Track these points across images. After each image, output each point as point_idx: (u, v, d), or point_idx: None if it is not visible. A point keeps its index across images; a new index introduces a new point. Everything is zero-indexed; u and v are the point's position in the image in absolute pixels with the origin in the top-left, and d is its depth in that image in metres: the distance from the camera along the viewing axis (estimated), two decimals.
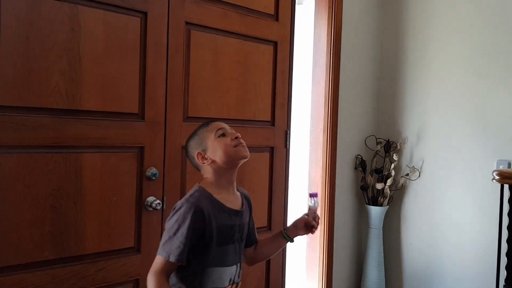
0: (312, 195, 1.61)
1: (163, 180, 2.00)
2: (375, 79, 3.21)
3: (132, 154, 1.91)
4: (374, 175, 3.11)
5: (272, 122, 2.46)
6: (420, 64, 3.04)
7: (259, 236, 1.69)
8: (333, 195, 2.91)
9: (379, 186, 3.04)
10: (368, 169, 3.12)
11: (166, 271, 1.38)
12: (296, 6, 2.55)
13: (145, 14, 1.91)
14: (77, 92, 1.73)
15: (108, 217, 1.83)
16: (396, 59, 3.15)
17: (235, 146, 1.49)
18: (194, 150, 1.51)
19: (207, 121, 1.56)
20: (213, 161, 1.49)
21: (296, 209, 2.95)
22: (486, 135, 2.73)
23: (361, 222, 3.19)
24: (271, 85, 2.44)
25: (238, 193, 1.57)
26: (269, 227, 2.46)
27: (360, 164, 3.08)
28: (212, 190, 1.48)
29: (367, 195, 3.11)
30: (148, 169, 1.94)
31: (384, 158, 3.12)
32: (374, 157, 3.12)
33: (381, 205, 3.08)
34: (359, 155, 3.10)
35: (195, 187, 1.48)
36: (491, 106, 2.72)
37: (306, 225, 1.61)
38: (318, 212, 1.66)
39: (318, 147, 2.91)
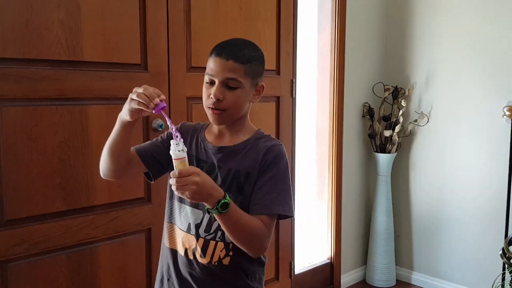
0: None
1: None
2: (382, 24, 3.13)
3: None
4: (382, 123, 3.08)
5: (278, 71, 2.43)
6: (429, 7, 2.94)
7: None
8: (340, 144, 2.90)
9: (387, 133, 3.01)
10: (376, 116, 3.09)
11: None
12: None
13: None
14: (77, 43, 1.70)
15: None
16: (404, 3, 3.05)
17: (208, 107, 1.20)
18: None
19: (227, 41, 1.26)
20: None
21: (303, 159, 2.95)
22: (495, 77, 2.68)
23: (369, 169, 3.19)
24: (276, 32, 2.38)
25: (248, 135, 1.26)
26: None
27: (368, 112, 3.05)
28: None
29: (375, 143, 3.10)
30: (153, 121, 1.93)
31: (392, 105, 3.08)
32: (382, 104, 3.09)
33: (389, 152, 3.07)
34: (366, 102, 3.06)
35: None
36: (501, 49, 2.65)
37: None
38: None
39: (325, 96, 2.87)
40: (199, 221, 1.22)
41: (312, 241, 3.04)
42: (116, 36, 1.81)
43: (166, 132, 1.33)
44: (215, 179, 1.17)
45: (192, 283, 1.23)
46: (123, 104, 1.17)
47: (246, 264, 1.24)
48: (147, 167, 1.29)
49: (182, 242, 1.25)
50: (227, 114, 1.19)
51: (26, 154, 1.61)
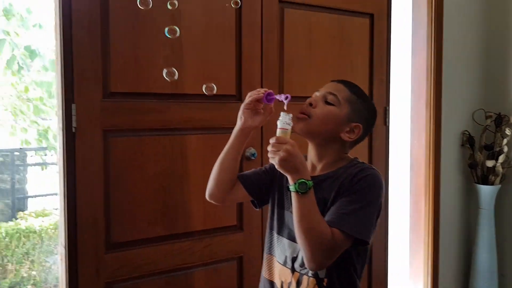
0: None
1: (261, 160, 2.02)
2: (482, 47, 2.95)
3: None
4: (483, 152, 2.88)
5: (370, 98, 2.37)
6: None
7: None
8: (438, 174, 2.75)
9: (489, 163, 2.81)
10: (476, 145, 2.90)
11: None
12: None
13: None
14: (179, 77, 1.79)
15: None
16: (506, 24, 2.86)
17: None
18: None
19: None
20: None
21: (397, 189, 2.84)
22: None
23: (470, 202, 2.98)
24: (368, 59, 2.35)
25: (340, 164, 1.22)
26: None
27: (468, 141, 2.87)
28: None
29: (476, 174, 2.90)
30: (247, 150, 1.97)
31: (495, 133, 2.87)
32: (483, 132, 2.89)
33: (492, 184, 2.85)
34: (466, 130, 2.89)
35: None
36: None
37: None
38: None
39: (420, 124, 2.75)
40: (295, 255, 1.21)
41: (406, 277, 2.89)
42: (214, 69, 1.89)
43: (269, 164, 1.33)
44: None
45: None
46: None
47: None
48: (250, 194, 1.31)
49: (279, 275, 1.25)
50: (310, 122, 1.18)
51: (131, 181, 1.72)
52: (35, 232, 4.50)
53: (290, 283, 1.21)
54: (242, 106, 1.20)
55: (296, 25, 2.08)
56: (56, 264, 4.48)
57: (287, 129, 1.10)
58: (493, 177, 2.85)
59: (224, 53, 1.91)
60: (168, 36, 1.32)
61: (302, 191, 1.06)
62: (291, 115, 1.11)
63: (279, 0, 2.02)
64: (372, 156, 2.38)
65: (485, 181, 2.86)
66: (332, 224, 1.09)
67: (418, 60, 2.74)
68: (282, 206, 1.26)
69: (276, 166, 1.08)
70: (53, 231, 4.59)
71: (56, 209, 6.52)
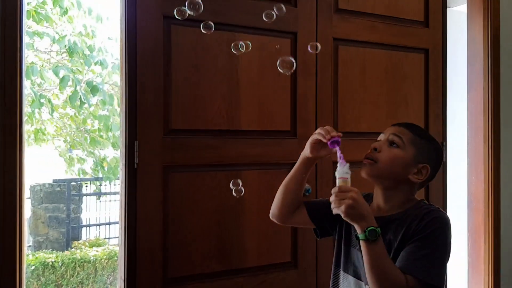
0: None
1: (316, 196, 2.01)
2: None
3: (286, 170, 1.93)
4: None
5: (433, 138, 2.33)
6: None
7: None
8: (498, 212, 2.62)
9: None
10: None
11: None
12: (447, 10, 2.40)
13: (295, 34, 1.97)
14: (236, 114, 1.84)
15: (266, 232, 1.90)
16: None
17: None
18: None
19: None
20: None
21: (455, 227, 2.73)
22: None
23: None
24: (423, 95, 2.31)
25: (407, 205, 1.21)
26: None
27: None
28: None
29: None
30: None
31: None
32: None
33: None
34: None
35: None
36: None
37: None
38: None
39: (479, 159, 2.66)
40: None
41: None
42: (269, 106, 1.92)
43: None
44: None
45: None
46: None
47: None
48: (312, 221, 1.33)
49: None
50: (377, 166, 1.19)
51: (188, 216, 1.75)
52: (89, 261, 4.62)
53: None
54: (312, 136, 1.24)
55: (350, 61, 2.10)
56: None
57: (347, 178, 1.10)
58: None
59: (279, 90, 1.94)
60: (234, 51, 1.41)
61: (372, 238, 1.06)
62: (348, 164, 1.11)
63: (333, 38, 2.05)
64: (429, 193, 2.32)
65: None
66: (405, 270, 1.08)
67: (475, 95, 2.68)
68: (349, 243, 1.26)
69: (343, 216, 1.07)
70: (106, 261, 4.70)
71: (109, 238, 6.70)
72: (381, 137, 1.25)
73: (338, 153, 1.16)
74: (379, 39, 2.16)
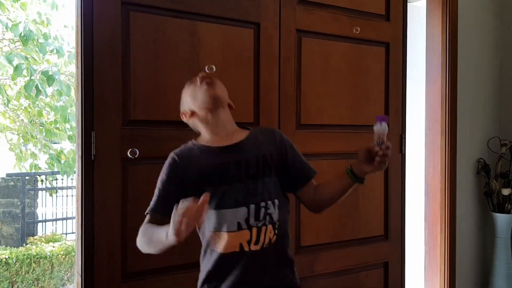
0: (380, 118, 1.31)
1: None
2: (497, 76, 2.96)
3: None
4: (499, 180, 2.85)
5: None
6: None
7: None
8: (453, 202, 2.71)
9: (505, 191, 2.78)
10: (492, 173, 2.87)
11: (152, 223, 1.34)
12: (407, 4, 2.44)
13: (257, 25, 1.95)
14: None
15: None
16: None
17: (201, 80, 1.39)
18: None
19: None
20: (192, 113, 1.41)
21: (413, 217, 2.80)
22: None
23: (486, 230, 2.93)
24: (384, 88, 2.35)
25: (244, 132, 1.43)
26: (385, 236, 2.37)
27: (483, 168, 2.84)
28: (201, 140, 1.41)
29: (492, 202, 2.86)
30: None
31: (510, 161, 2.85)
32: (498, 160, 2.86)
33: (508, 212, 2.81)
34: (481, 158, 2.86)
35: None
36: None
37: (369, 154, 1.31)
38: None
39: (436, 151, 2.73)
40: (247, 216, 1.31)
41: None
42: (232, 97, 1.87)
43: (166, 177, 1.38)
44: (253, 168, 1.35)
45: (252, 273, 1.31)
46: None
47: (287, 242, 1.39)
48: None
49: (235, 240, 1.30)
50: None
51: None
52: (45, 257, 4.47)
53: (250, 240, 1.30)
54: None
55: (313, 54, 2.10)
56: None
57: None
58: (509, 205, 2.81)
59: (242, 82, 1.92)
60: (207, 71, 1.47)
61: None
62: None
63: (296, 29, 2.04)
64: (388, 184, 2.36)
65: (501, 210, 2.83)
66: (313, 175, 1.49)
67: (433, 89, 2.75)
68: (229, 181, 1.33)
69: (383, 167, 1.32)
70: (63, 257, 4.57)
71: (66, 233, 6.51)
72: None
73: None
74: (342, 31, 2.17)
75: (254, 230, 1.31)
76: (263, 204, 1.33)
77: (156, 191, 1.37)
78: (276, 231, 1.33)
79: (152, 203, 1.36)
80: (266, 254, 1.32)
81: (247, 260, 1.31)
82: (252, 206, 1.31)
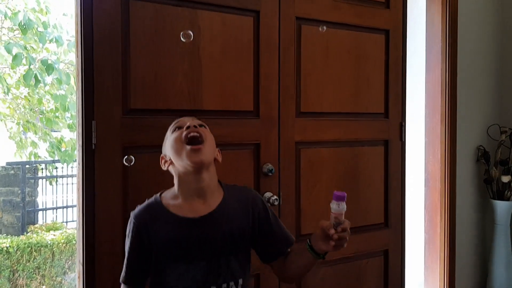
0: (337, 197, 1.20)
1: (279, 176, 2.01)
2: (497, 62, 2.95)
3: (249, 150, 1.95)
4: (499, 167, 2.86)
5: (386, 114, 2.37)
6: None
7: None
8: (453, 190, 2.72)
9: (505, 179, 2.78)
10: (492, 161, 2.87)
11: None
12: None
13: (257, 12, 1.94)
14: (198, 93, 1.80)
15: None
16: None
17: (186, 138, 1.24)
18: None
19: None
20: (172, 163, 1.29)
21: (413, 205, 2.81)
22: None
23: (485, 218, 2.95)
24: (384, 75, 2.34)
25: (219, 195, 1.31)
26: (386, 223, 2.38)
27: (483, 156, 2.85)
28: (170, 197, 1.29)
29: (492, 189, 2.87)
30: (264, 165, 1.96)
31: (510, 148, 2.85)
32: (498, 147, 2.87)
33: (507, 199, 2.82)
34: (481, 146, 2.87)
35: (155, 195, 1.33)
36: None
37: (325, 232, 1.20)
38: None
39: (435, 139, 2.73)
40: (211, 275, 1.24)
41: None
42: (232, 86, 1.89)
43: (133, 242, 1.29)
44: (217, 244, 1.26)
45: None
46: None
47: None
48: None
49: None
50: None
51: (149, 197, 1.71)
52: (46, 246, 4.49)
53: None
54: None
55: (313, 41, 2.09)
56: (68, 280, 4.46)
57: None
58: (509, 192, 2.82)
59: (242, 70, 1.91)
60: (183, 40, 1.43)
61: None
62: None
63: (296, 17, 2.03)
64: (389, 171, 2.36)
65: (501, 197, 2.84)
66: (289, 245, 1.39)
67: (433, 76, 2.74)
68: (189, 259, 1.23)
69: (340, 248, 1.20)
70: (64, 245, 4.59)
71: (66, 222, 6.54)
72: (188, 122, 1.32)
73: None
74: (342, 19, 2.16)
75: None
76: (224, 286, 1.23)
77: (126, 257, 1.29)
78: None
79: (123, 270, 1.29)
80: None
81: None
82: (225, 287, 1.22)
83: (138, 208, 1.30)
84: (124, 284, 1.29)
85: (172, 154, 1.27)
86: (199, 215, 1.24)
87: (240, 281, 1.26)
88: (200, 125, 1.32)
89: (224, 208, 1.28)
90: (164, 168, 1.32)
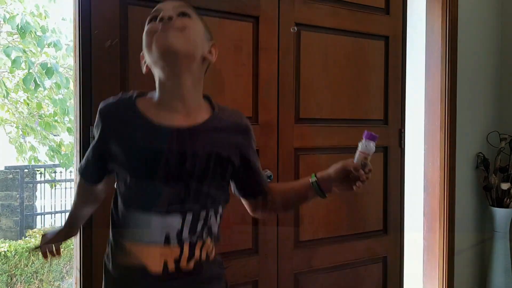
0: (369, 136, 1.11)
1: (277, 182, 2.00)
2: (497, 69, 2.95)
3: None
4: (498, 174, 2.85)
5: (385, 121, 2.36)
6: None
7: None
8: (452, 197, 2.71)
9: (504, 186, 2.78)
10: (491, 168, 2.87)
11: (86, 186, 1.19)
12: None
13: (256, 18, 1.93)
14: None
15: (227, 219, 1.87)
16: None
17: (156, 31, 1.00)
18: None
19: None
20: (146, 64, 1.08)
21: (412, 212, 2.80)
22: None
23: (485, 225, 2.94)
24: (383, 81, 2.34)
25: (206, 111, 1.11)
26: (384, 230, 2.37)
27: (482, 163, 2.84)
28: (148, 102, 1.07)
29: (491, 196, 2.86)
30: (263, 172, 1.95)
31: (510, 155, 2.84)
32: (498, 155, 2.86)
33: (507, 206, 2.81)
34: (480, 153, 2.86)
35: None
36: None
37: (347, 175, 1.10)
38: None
39: (435, 146, 2.73)
40: (179, 227, 1.03)
41: None
42: (231, 92, 1.89)
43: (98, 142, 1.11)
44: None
45: None
46: None
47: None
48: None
49: (157, 257, 1.04)
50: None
51: None
52: None
53: (178, 258, 1.04)
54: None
55: (312, 47, 2.08)
56: (66, 285, 4.44)
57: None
58: (508, 199, 2.81)
59: (241, 76, 1.91)
60: None
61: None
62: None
63: (295, 23, 2.03)
64: (388, 178, 2.36)
65: (500, 204, 2.83)
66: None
67: (432, 83, 2.74)
68: (165, 178, 1.02)
69: (357, 189, 1.11)
70: (63, 250, 4.57)
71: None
72: (169, 10, 1.04)
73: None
74: (341, 25, 2.15)
75: (186, 246, 1.04)
76: (203, 213, 1.06)
77: (88, 149, 1.14)
78: (214, 244, 1.12)
79: (81, 161, 1.16)
80: (199, 273, 1.07)
81: (170, 285, 1.04)
82: (189, 215, 1.04)
83: (106, 102, 1.08)
84: (81, 176, 1.19)
85: (144, 51, 1.05)
86: (179, 127, 1.03)
87: (220, 209, 1.11)
88: (183, 14, 1.05)
89: (213, 125, 1.07)
90: (144, 70, 1.10)
